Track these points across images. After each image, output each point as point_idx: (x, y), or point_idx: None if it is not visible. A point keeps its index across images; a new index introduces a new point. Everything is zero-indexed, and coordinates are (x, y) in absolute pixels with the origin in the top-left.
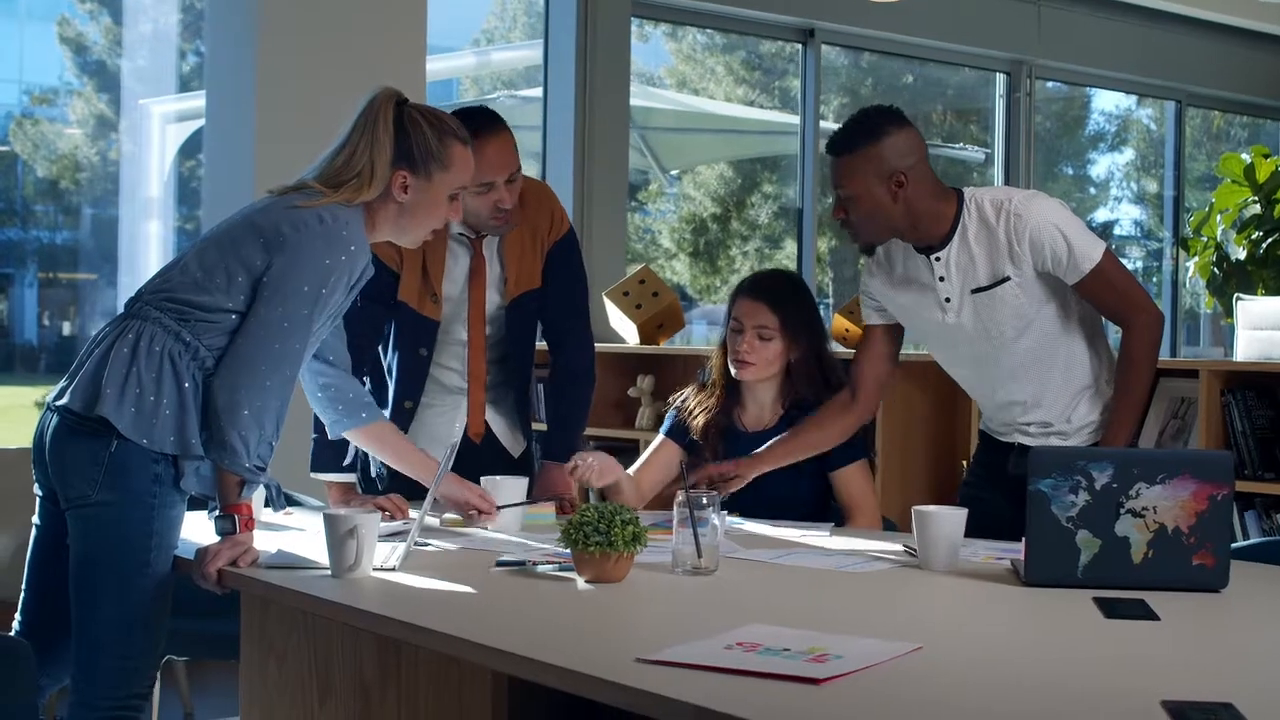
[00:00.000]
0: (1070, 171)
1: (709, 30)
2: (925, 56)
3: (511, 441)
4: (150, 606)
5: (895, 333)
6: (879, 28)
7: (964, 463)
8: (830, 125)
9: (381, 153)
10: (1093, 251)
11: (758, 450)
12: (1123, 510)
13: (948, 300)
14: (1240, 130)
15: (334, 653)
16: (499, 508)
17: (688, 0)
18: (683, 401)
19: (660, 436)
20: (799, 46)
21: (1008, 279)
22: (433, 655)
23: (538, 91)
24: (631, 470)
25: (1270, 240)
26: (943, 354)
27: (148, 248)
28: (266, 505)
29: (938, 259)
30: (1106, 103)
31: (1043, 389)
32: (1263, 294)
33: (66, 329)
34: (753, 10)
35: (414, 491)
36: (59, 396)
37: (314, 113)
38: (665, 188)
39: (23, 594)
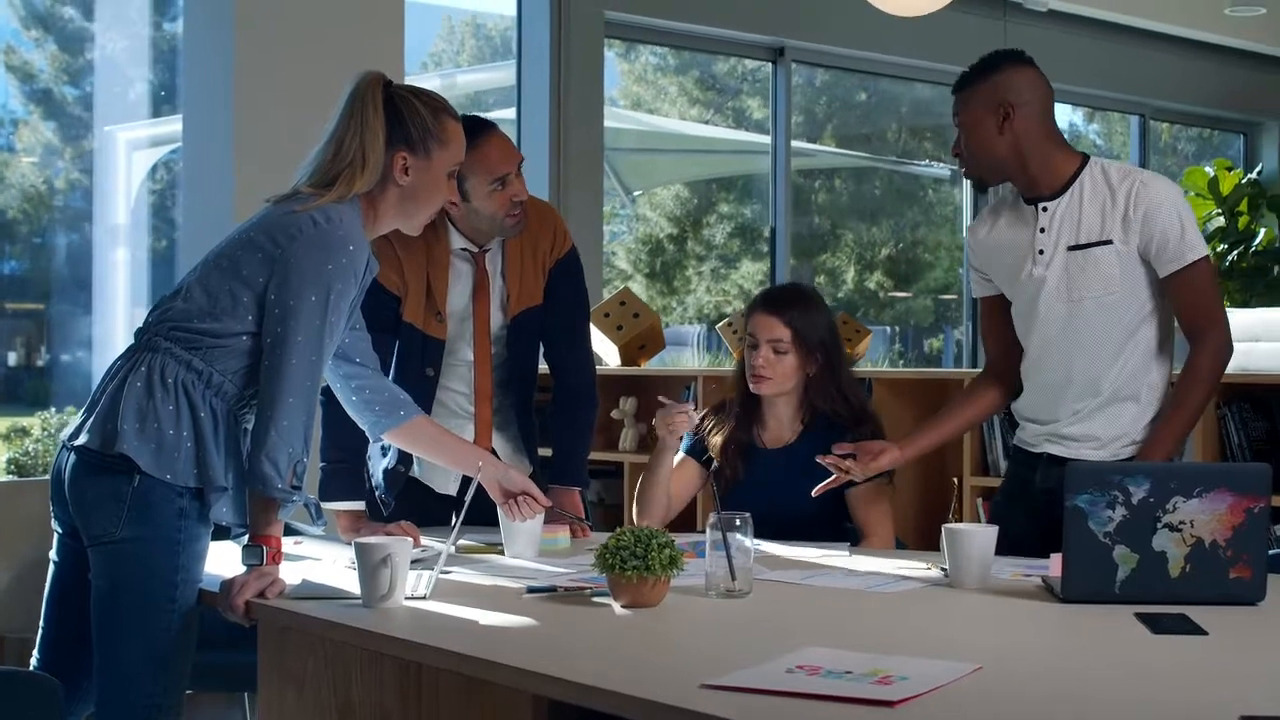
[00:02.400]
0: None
1: (661, 51)
2: (894, 74)
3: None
4: (176, 642)
5: (1008, 302)
6: (849, 45)
7: (954, 480)
8: (809, 145)
9: (374, 138)
10: (1199, 245)
11: (912, 434)
12: (1160, 524)
13: (1041, 252)
14: (1188, 144)
15: (353, 680)
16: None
17: (659, 20)
18: (701, 420)
19: (680, 455)
20: (754, 65)
21: (1110, 242)
22: (454, 679)
23: (505, 113)
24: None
25: (1235, 253)
26: (1019, 315)
27: (115, 275)
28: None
29: (1044, 209)
30: (1058, 119)
31: (1101, 371)
32: (1229, 306)
33: (13, 359)
34: (723, 29)
35: (423, 518)
36: (75, 435)
37: (292, 136)
38: (619, 209)
39: (40, 631)
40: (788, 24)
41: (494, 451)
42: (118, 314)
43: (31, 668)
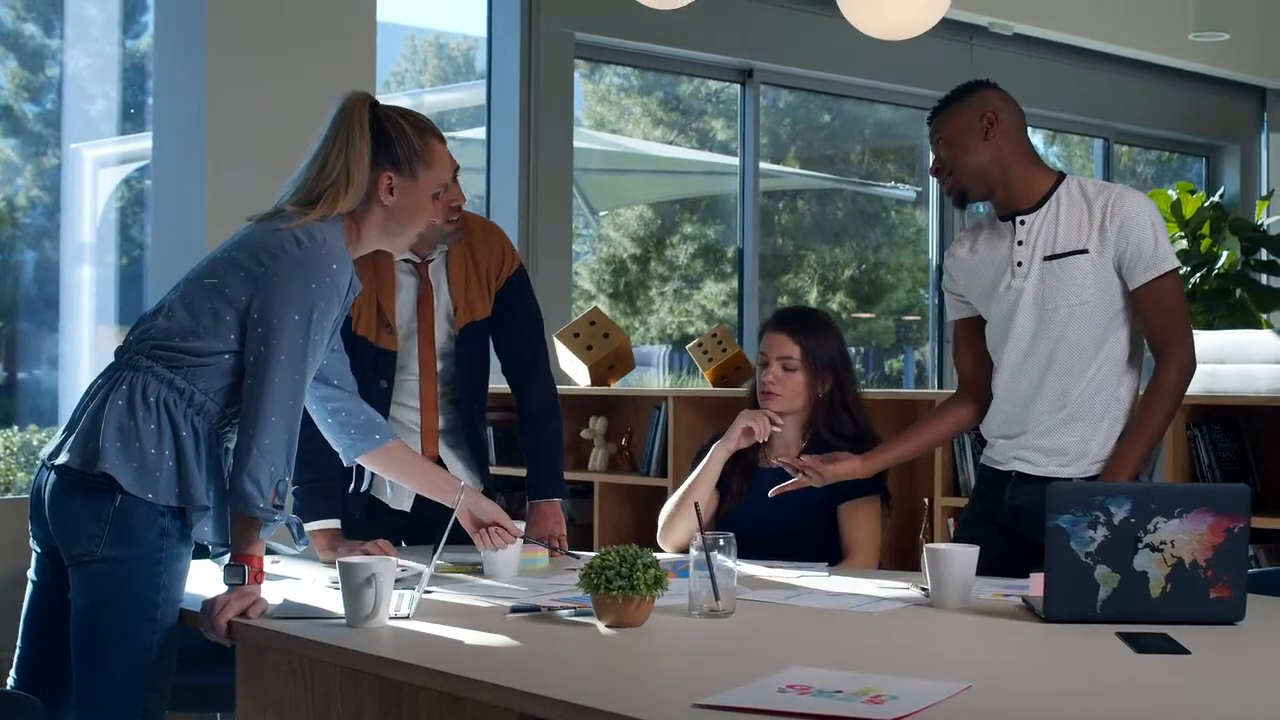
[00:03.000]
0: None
1: (625, 72)
2: (863, 96)
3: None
4: (157, 662)
5: (983, 323)
6: (817, 68)
7: (925, 500)
8: (777, 168)
9: (359, 157)
10: (1170, 259)
11: (876, 450)
12: (1141, 544)
13: (1019, 264)
14: (1147, 168)
15: (333, 700)
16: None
17: (629, 42)
18: (711, 439)
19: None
20: (718, 87)
21: (1085, 251)
22: (436, 698)
23: (472, 133)
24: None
25: (1198, 275)
26: (993, 330)
27: (81, 292)
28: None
29: (1022, 222)
30: None
31: (1069, 384)
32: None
33: None
34: (692, 51)
35: (400, 536)
36: (55, 454)
37: (264, 153)
38: (581, 229)
39: (19, 650)
40: (757, 46)
41: (442, 464)
42: (83, 332)
43: (9, 687)
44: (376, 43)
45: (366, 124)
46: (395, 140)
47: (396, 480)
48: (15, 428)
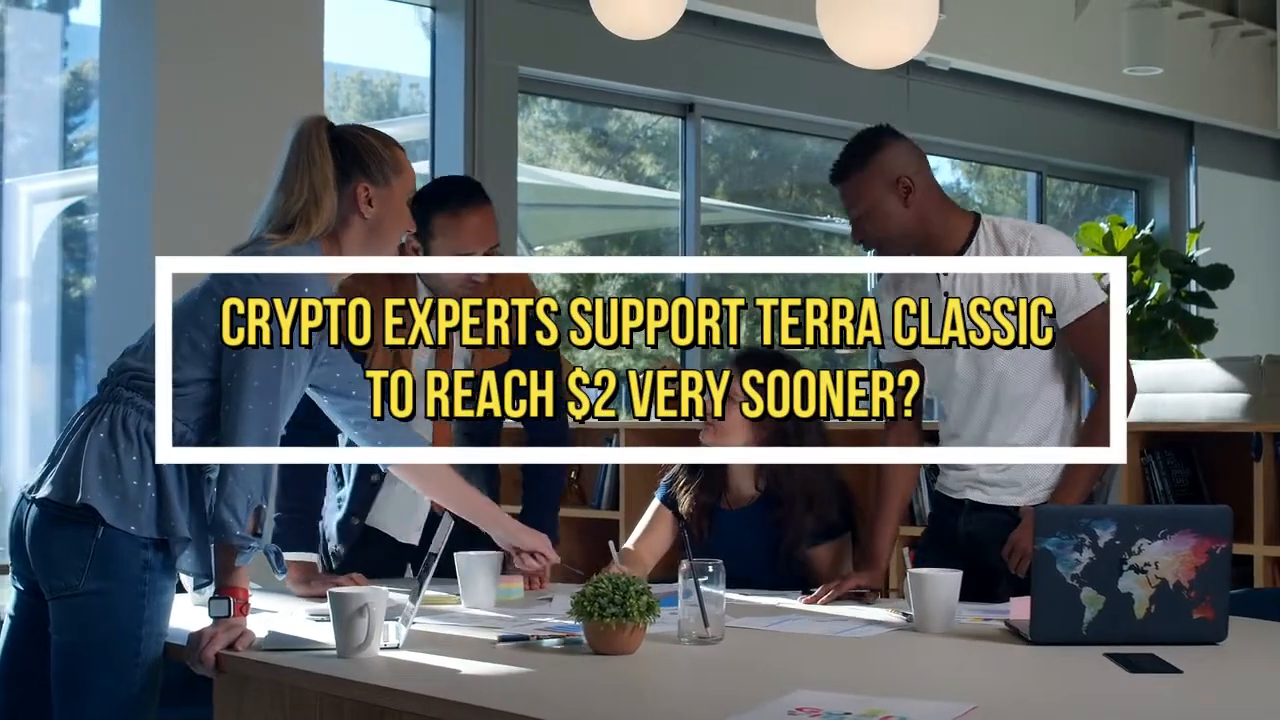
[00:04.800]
0: None
1: (552, 107)
2: (802, 130)
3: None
4: (140, 697)
5: (915, 366)
6: (757, 102)
7: None
8: (712, 201)
9: (322, 176)
10: (1096, 294)
11: (872, 552)
12: (1125, 566)
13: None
14: (1068, 202)
15: None
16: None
17: (571, 76)
18: (671, 478)
19: (656, 504)
20: (645, 122)
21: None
22: None
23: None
24: (630, 542)
25: (1130, 307)
26: (934, 377)
27: (16, 329)
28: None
29: (944, 275)
30: (948, 176)
31: (1012, 429)
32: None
33: None
34: (633, 85)
35: (374, 570)
36: (35, 488)
37: (212, 189)
38: None
39: None
40: (697, 81)
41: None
42: (19, 369)
43: None
44: (324, 81)
45: (326, 144)
46: (362, 152)
47: (431, 495)
48: None
